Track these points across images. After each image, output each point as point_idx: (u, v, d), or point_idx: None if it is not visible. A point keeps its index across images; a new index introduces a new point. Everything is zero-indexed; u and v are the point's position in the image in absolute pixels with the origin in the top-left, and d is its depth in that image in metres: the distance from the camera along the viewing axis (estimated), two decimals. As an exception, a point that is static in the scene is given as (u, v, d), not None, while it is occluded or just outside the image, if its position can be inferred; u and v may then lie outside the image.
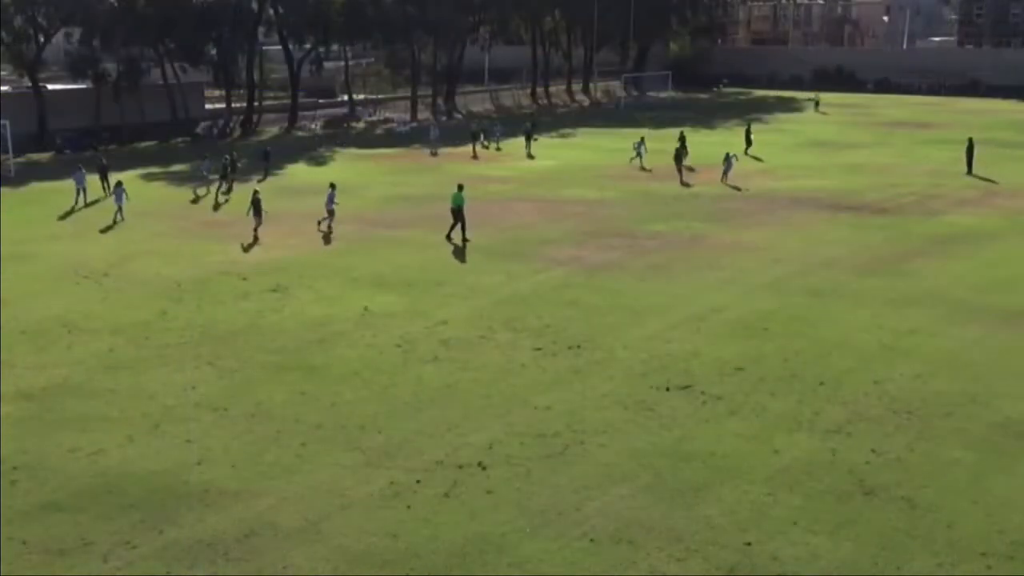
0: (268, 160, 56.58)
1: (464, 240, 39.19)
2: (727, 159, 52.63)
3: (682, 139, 57.09)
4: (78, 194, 47.79)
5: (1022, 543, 17.38)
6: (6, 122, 58.67)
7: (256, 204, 41.01)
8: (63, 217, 44.44)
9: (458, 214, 39.43)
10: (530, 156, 62.02)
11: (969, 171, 55.56)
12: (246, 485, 19.69)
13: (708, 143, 70.78)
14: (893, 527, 17.97)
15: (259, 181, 51.72)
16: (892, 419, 22.57)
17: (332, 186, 42.49)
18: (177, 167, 60.82)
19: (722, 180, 51.96)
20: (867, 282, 33.70)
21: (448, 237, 39.40)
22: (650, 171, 56.09)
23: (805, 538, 17.62)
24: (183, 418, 22.90)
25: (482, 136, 66.16)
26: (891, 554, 17.10)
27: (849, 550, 17.23)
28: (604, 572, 16.62)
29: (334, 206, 41.80)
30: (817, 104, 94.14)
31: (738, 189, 50.42)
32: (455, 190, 40.34)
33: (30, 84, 71.28)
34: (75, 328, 29.22)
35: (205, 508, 18.81)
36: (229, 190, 49.73)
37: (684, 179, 52.77)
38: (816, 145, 68.71)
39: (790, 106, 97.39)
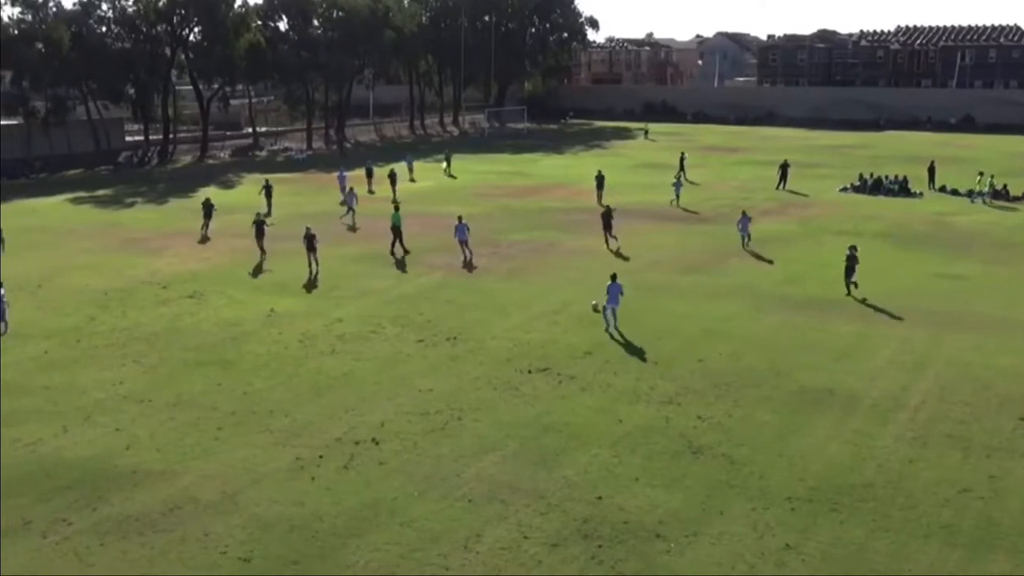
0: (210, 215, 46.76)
1: (404, 251, 38.36)
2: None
3: (600, 176, 53.66)
4: None
5: (819, 488, 17.99)
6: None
7: (208, 208, 42.36)
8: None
9: (396, 230, 38.66)
10: (411, 180, 61.32)
11: (780, 187, 57.07)
12: (170, 466, 19.13)
13: (558, 166, 71.57)
14: (716, 479, 18.40)
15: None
16: (713, 391, 23.10)
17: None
18: (101, 192, 58.78)
19: (675, 203, 50.71)
20: (689, 279, 34.44)
21: (391, 252, 38.44)
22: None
23: (645, 491, 17.91)
24: (112, 409, 22.13)
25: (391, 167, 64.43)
26: (715, 501, 17.51)
27: (681, 499, 17.58)
28: (481, 527, 16.63)
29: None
30: (647, 133, 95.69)
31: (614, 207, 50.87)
32: (393, 211, 39.89)
33: (-34, 120, 68.06)
34: (12, 334, 27.95)
35: (133, 487, 18.21)
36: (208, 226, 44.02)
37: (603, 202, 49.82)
38: (646, 166, 69.91)
39: (624, 135, 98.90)
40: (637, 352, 26.00)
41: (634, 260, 37.35)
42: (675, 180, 53.63)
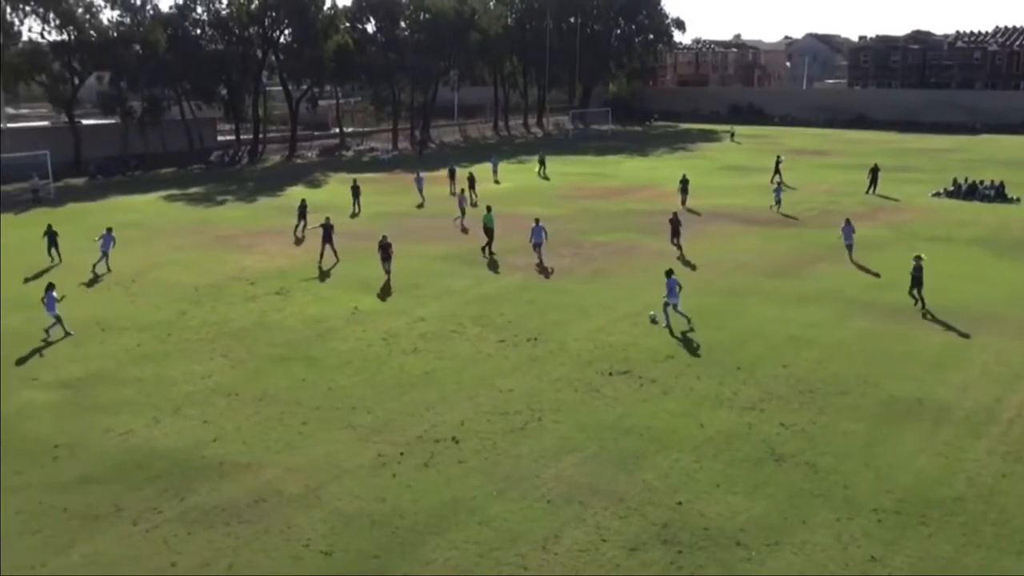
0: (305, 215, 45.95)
1: (491, 252, 38.33)
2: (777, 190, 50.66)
3: (684, 180, 52.34)
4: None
5: (906, 500, 17.54)
6: (47, 152, 57.90)
7: (303, 209, 43.06)
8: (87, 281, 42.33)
9: (489, 231, 38.74)
10: (496, 181, 61.08)
11: (870, 191, 55.85)
12: (255, 458, 19.51)
13: (642, 168, 71.15)
14: (799, 488, 18.08)
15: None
16: (798, 397, 22.71)
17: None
18: (193, 189, 60.25)
19: (775, 208, 49.22)
20: (775, 283, 33.90)
21: (483, 251, 38.60)
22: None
23: (726, 498, 17.69)
24: (201, 402, 22.67)
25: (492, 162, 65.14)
26: (797, 511, 17.20)
27: (763, 507, 17.31)
28: (559, 528, 16.61)
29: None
30: (732, 135, 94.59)
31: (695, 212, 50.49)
32: (485, 211, 39.96)
33: (67, 119, 70.36)
34: (107, 326, 28.84)
35: (220, 478, 18.62)
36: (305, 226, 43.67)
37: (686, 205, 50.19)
38: (731, 169, 69.09)
39: (710, 137, 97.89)
40: (720, 356, 25.69)
41: (718, 263, 36.93)
42: (775, 186, 52.25)
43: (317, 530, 16.66)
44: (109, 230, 36.84)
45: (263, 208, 52.56)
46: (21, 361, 25.72)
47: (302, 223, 42.85)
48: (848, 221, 38.84)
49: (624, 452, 19.70)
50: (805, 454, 19.52)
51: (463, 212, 46.25)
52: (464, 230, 44.37)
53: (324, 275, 35.44)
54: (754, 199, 53.31)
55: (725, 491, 17.97)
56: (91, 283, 34.47)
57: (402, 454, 19.65)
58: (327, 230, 37.53)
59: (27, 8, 66.51)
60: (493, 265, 36.88)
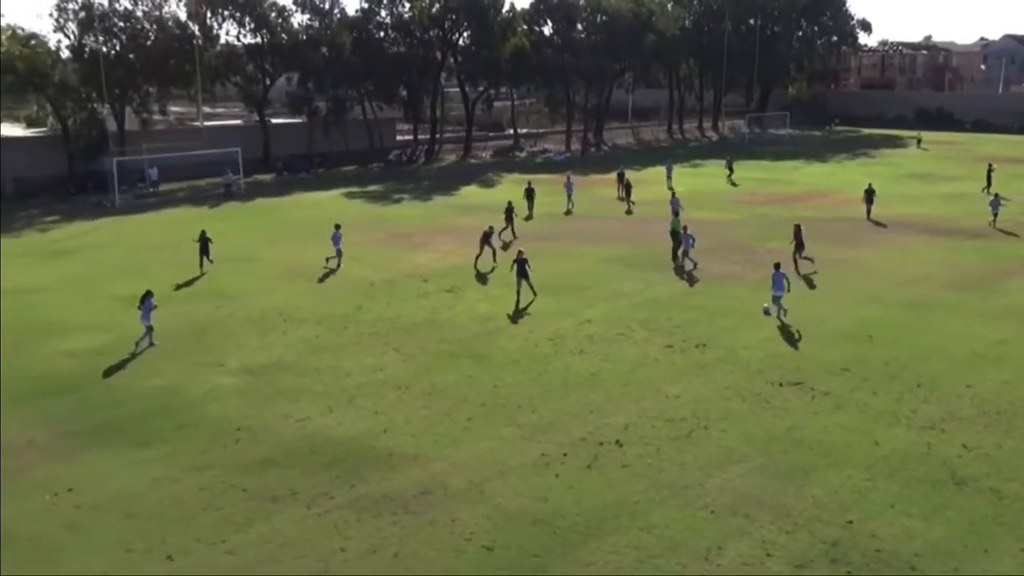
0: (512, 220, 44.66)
1: (673, 258, 37.70)
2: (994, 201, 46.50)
3: (869, 190, 49.18)
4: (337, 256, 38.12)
5: (1101, 534, 16.36)
6: (238, 149, 61.05)
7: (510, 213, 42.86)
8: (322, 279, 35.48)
9: (676, 236, 37.89)
10: (670, 188, 59.17)
11: None
12: (422, 451, 19.99)
13: (820, 174, 68.98)
14: (981, 514, 17.14)
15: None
16: (982, 419, 21.52)
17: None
18: (372, 187, 62.25)
19: (993, 224, 45.16)
20: (961, 297, 32.21)
21: (674, 257, 37.66)
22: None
23: (901, 520, 16.95)
24: (373, 394, 23.39)
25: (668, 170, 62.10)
26: (979, 538, 16.31)
27: (941, 532, 16.50)
28: (722, 539, 16.31)
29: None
30: (919, 141, 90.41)
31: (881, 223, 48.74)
32: (672, 216, 39.79)
33: (258, 118, 73.98)
34: (289, 317, 30.15)
35: (389, 469, 19.18)
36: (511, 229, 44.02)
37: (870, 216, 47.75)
38: (916, 177, 66.06)
39: (894, 143, 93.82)
40: (898, 372, 24.62)
41: (899, 274, 35.40)
42: (992, 196, 47.82)
43: (480, 525, 16.92)
44: (337, 227, 37.95)
45: (438, 207, 53.78)
46: (205, 348, 27.21)
47: (510, 226, 42.80)
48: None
49: (792, 465, 19.16)
50: (989, 479, 18.47)
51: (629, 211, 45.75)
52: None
53: (494, 274, 35.85)
54: (940, 208, 50.88)
55: (900, 512, 17.22)
56: (323, 278, 35.71)
57: (565, 455, 19.73)
58: (488, 235, 37.34)
59: (225, 13, 70.31)
60: (682, 270, 36.28)
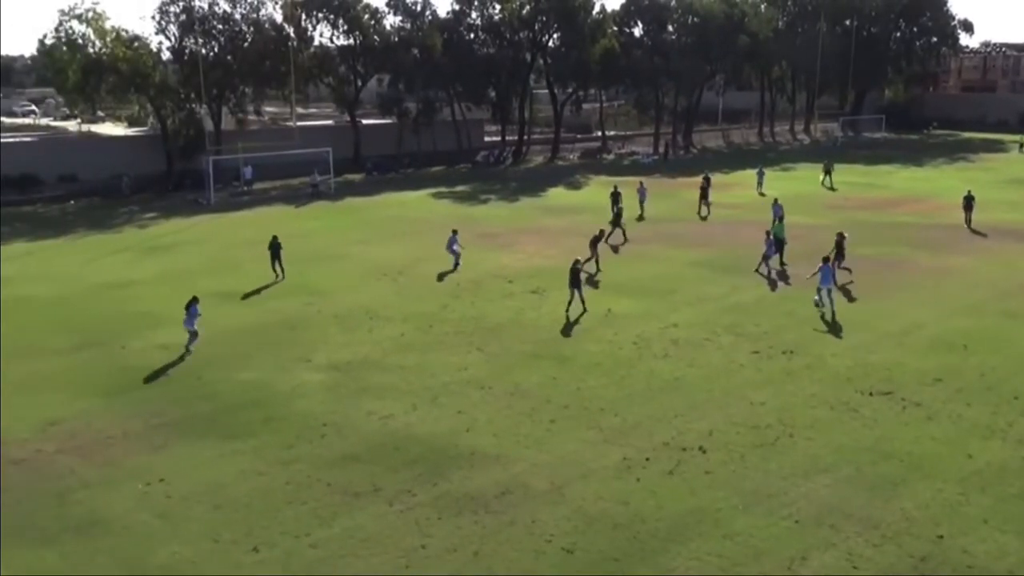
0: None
1: (781, 264, 36.79)
2: None
3: (969, 197, 46.81)
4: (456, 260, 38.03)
5: None
6: (329, 149, 62.08)
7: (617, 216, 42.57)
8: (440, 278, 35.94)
9: (780, 243, 36.91)
10: (761, 194, 57.36)
11: None
12: (504, 451, 20.04)
13: (916, 179, 67.20)
14: (1082, 533, 16.49)
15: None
16: (1084, 434, 20.71)
17: None
18: (459, 188, 62.62)
19: None
20: (1064, 307, 31.02)
21: (781, 263, 36.81)
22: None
23: (995, 536, 16.40)
24: (456, 393, 23.53)
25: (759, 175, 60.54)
26: (1079, 558, 15.69)
27: (1037, 550, 15.92)
28: (807, 550, 16.00)
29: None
30: (1021, 146, 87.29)
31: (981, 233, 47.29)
32: (776, 222, 39.28)
33: (349, 119, 75.10)
34: (375, 315, 30.52)
35: (471, 468, 19.27)
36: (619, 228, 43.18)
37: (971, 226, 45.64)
38: (1018, 183, 63.84)
39: (995, 147, 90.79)
40: (994, 383, 23.82)
41: (997, 283, 34.25)
42: None
43: (560, 527, 16.89)
44: (455, 232, 38.05)
45: (524, 208, 53.85)
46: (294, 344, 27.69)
47: (620, 229, 42.14)
48: None
49: (881, 477, 18.68)
50: (1090, 497, 17.77)
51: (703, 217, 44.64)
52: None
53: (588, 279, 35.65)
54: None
55: (993, 528, 16.66)
56: (441, 277, 35.93)
57: (648, 459, 19.57)
58: (596, 239, 36.42)
59: (319, 15, 71.54)
60: (751, 273, 35.71)
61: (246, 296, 33.42)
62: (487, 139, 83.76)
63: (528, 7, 78.37)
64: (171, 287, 34.00)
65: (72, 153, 62.85)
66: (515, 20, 78.30)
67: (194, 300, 27.12)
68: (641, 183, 53.01)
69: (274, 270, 35.83)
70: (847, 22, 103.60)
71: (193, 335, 26.89)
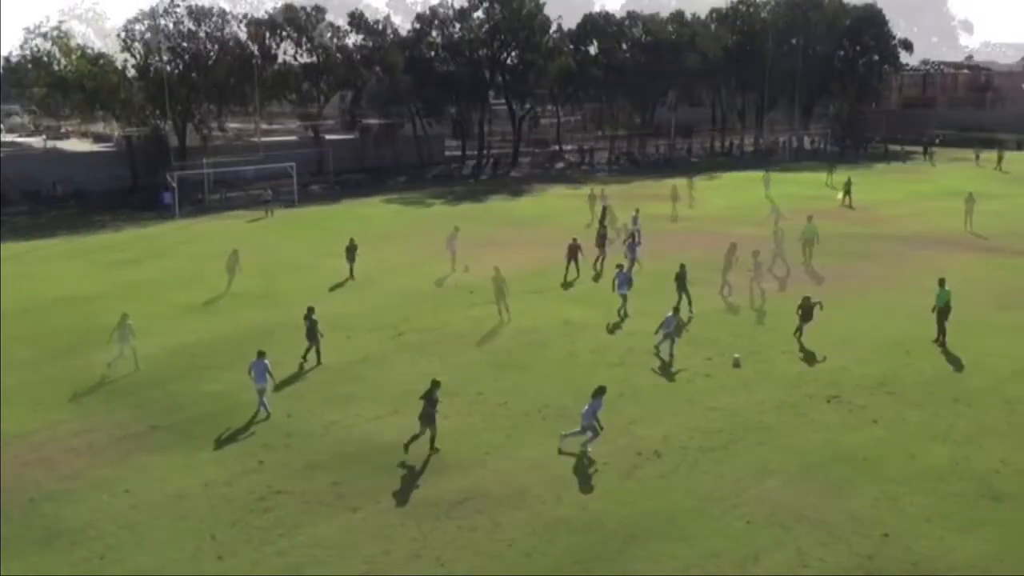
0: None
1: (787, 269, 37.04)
2: None
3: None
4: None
5: None
6: (293, 164, 61.68)
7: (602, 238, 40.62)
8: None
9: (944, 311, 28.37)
10: (768, 198, 56.85)
11: None
12: (465, 458, 20.00)
13: (862, 189, 67.74)
14: (1018, 529, 16.79)
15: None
16: (1021, 434, 21.06)
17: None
18: (429, 200, 62.30)
19: None
20: (1005, 315, 31.48)
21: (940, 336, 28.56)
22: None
23: (937, 533, 16.64)
24: (418, 402, 23.32)
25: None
26: (1017, 553, 15.97)
27: (978, 548, 16.17)
28: (759, 550, 16.11)
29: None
30: (978, 157, 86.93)
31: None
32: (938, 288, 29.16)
33: (312, 134, 74.72)
34: (339, 326, 30.25)
35: (432, 474, 19.22)
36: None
37: None
38: (954, 194, 64.54)
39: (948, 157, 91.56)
40: (936, 387, 24.18)
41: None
42: None
43: (521, 532, 16.87)
44: (456, 228, 39.81)
45: (485, 219, 53.69)
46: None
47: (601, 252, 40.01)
48: None
49: (829, 478, 18.88)
50: (1027, 495, 18.06)
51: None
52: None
53: (538, 286, 35.71)
54: (982, 224, 49.81)
55: (936, 526, 16.89)
56: (440, 282, 36.76)
57: (605, 464, 19.61)
58: (603, 237, 38.77)
59: (283, 34, 71.22)
60: (700, 283, 35.86)
61: (208, 304, 33.13)
62: (448, 153, 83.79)
63: (487, 27, 78.58)
64: (137, 299, 33.53)
65: (37, 168, 62.06)
66: (475, 39, 78.42)
67: (261, 354, 22.97)
68: (603, 191, 53.75)
69: (351, 271, 37.47)
70: (793, 41, 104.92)
71: (261, 393, 22.88)
